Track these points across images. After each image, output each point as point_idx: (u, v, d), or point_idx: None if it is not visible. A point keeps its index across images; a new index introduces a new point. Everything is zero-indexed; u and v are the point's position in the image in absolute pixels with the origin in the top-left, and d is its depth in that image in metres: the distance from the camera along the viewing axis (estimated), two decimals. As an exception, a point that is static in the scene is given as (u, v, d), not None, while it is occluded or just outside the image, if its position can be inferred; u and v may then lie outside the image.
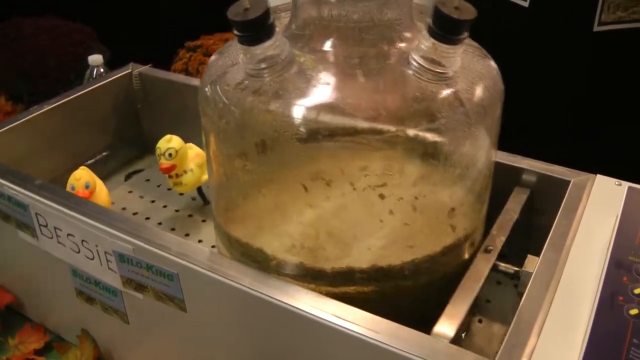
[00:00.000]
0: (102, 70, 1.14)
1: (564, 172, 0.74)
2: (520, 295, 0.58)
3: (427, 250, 0.62)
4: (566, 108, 1.45)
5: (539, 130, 1.32)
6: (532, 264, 0.62)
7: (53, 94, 0.99)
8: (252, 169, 0.62)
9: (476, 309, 0.77)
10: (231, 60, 0.63)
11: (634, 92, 1.41)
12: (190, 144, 0.93)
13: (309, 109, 0.57)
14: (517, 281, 0.67)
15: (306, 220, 0.62)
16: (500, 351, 0.51)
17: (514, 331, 0.53)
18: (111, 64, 1.17)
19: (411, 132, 0.57)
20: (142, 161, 1.11)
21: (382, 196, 0.59)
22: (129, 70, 1.06)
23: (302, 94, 0.58)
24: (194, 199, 1.00)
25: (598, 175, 0.71)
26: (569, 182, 0.71)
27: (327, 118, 0.57)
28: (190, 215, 0.98)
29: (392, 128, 0.57)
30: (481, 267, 0.64)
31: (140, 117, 1.10)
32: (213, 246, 0.78)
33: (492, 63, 0.65)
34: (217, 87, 0.62)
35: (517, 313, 0.54)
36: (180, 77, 1.07)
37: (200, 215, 0.97)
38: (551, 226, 0.64)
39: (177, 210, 0.99)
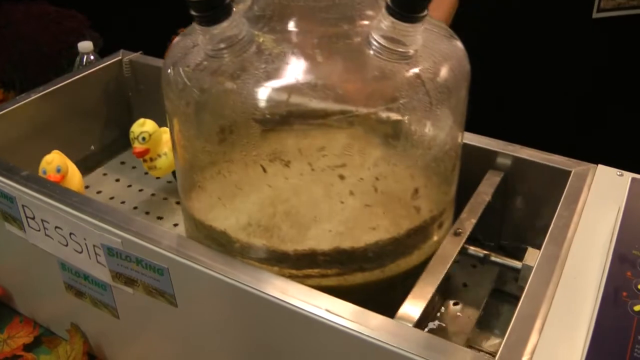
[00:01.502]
0: (92, 57, 1.12)
1: (564, 162, 0.71)
2: (521, 289, 0.56)
3: (391, 232, 0.61)
4: (568, 95, 1.44)
5: (541, 121, 1.30)
6: (533, 257, 0.60)
7: (45, 81, 0.97)
8: (212, 150, 0.62)
9: (451, 293, 0.75)
10: (193, 41, 0.62)
11: (634, 79, 1.40)
12: (165, 128, 0.91)
13: (267, 89, 0.56)
14: (491, 265, 0.67)
15: (264, 200, 0.61)
16: (501, 348, 0.49)
17: (515, 328, 0.51)
18: (104, 51, 1.15)
19: (371, 112, 0.56)
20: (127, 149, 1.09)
21: (341, 177, 0.58)
22: (119, 58, 1.04)
23: (261, 74, 0.57)
24: (170, 182, 0.99)
25: (599, 166, 0.69)
26: (570, 172, 0.69)
27: (285, 98, 0.56)
28: (165, 199, 0.97)
29: (352, 108, 0.56)
30: (449, 250, 0.63)
31: (132, 105, 1.08)
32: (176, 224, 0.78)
33: (459, 43, 0.63)
34: (179, 68, 0.61)
35: (517, 309, 0.52)
36: None
37: (176, 197, 0.96)
38: (552, 217, 0.62)
39: (153, 194, 0.98)
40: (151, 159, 0.91)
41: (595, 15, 1.37)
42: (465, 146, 0.72)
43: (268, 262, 0.62)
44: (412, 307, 0.56)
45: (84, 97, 1.00)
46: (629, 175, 0.66)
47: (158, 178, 0.98)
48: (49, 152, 0.88)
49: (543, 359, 0.47)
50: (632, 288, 0.51)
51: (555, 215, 0.62)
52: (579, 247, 0.58)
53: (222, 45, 0.57)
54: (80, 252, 0.67)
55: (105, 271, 0.66)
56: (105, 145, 1.06)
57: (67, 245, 0.68)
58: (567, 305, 0.52)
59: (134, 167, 1.04)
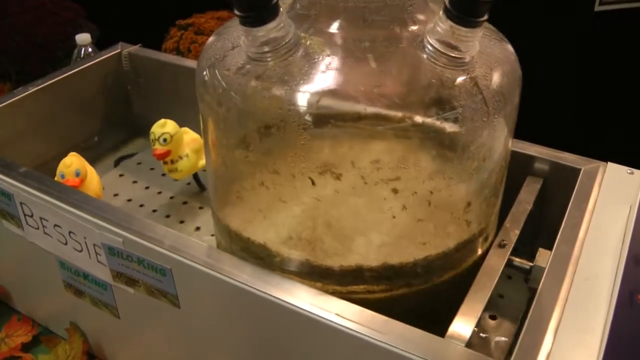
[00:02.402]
0: (90, 49, 1.10)
1: (574, 159, 0.70)
2: (533, 291, 0.55)
3: (441, 247, 0.59)
4: (569, 90, 1.42)
5: (545, 117, 1.29)
6: (544, 258, 0.58)
7: (41, 74, 0.95)
8: (253, 159, 0.58)
9: (488, 305, 0.73)
10: (231, 42, 0.59)
11: (636, 73, 1.38)
12: (186, 129, 0.88)
13: (316, 95, 0.53)
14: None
15: (309, 214, 0.58)
16: (515, 352, 0.48)
17: (529, 331, 0.50)
18: (100, 43, 1.12)
19: (426, 121, 0.53)
20: (133, 144, 1.07)
21: (395, 190, 0.55)
22: (118, 50, 1.01)
23: (309, 79, 0.53)
24: (189, 184, 0.96)
25: (609, 163, 0.68)
26: (580, 170, 0.68)
27: (335, 106, 0.53)
28: (185, 202, 0.94)
29: (405, 117, 0.53)
30: (495, 263, 0.61)
31: (131, 98, 1.05)
32: (212, 235, 0.75)
33: (510, 47, 0.61)
34: (216, 71, 0.58)
35: (530, 312, 0.51)
36: (172, 58, 1.03)
37: (197, 202, 0.93)
38: (562, 217, 0.61)
39: (171, 197, 0.95)
40: (172, 161, 0.88)
41: (597, 8, 1.36)
42: None
43: (310, 278, 0.59)
44: (463, 325, 0.53)
45: (82, 90, 0.97)
46: (639, 173, 0.65)
47: (176, 180, 0.95)
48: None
49: None
50: (647, 291, 0.50)
51: (566, 215, 0.62)
52: (591, 247, 0.57)
53: (267, 48, 0.54)
54: (80, 251, 0.66)
55: (106, 270, 0.64)
56: (105, 139, 1.03)
57: (66, 244, 0.67)
58: (580, 307, 0.51)
59: (152, 169, 1.01)
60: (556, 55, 1.36)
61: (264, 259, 0.61)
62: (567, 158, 0.71)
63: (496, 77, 0.56)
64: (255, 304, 0.54)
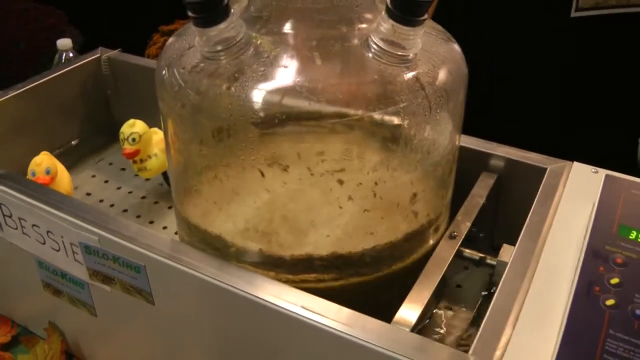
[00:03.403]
0: (71, 54, 1.12)
1: (540, 159, 0.72)
2: (495, 284, 0.57)
3: (389, 237, 0.61)
4: (546, 94, 1.45)
5: (521, 120, 1.31)
6: (508, 253, 0.61)
7: (24, 79, 0.96)
8: (208, 154, 0.61)
9: (444, 295, 0.75)
10: (188, 42, 0.62)
11: (612, 77, 1.41)
12: (155, 129, 0.91)
13: (265, 92, 0.56)
14: (485, 267, 0.67)
15: (261, 205, 0.60)
16: (474, 342, 0.49)
17: (489, 322, 0.51)
18: (84, 50, 1.13)
19: (370, 116, 0.56)
20: (113, 148, 1.08)
21: (340, 182, 0.58)
22: (98, 55, 1.03)
23: (259, 77, 0.56)
24: (161, 184, 0.98)
25: (575, 163, 0.70)
26: (546, 169, 0.70)
27: (283, 102, 0.56)
28: (156, 202, 0.96)
29: (350, 112, 0.56)
30: (445, 254, 0.63)
31: (111, 103, 1.07)
32: (176, 233, 0.77)
33: (456, 47, 0.64)
34: (174, 70, 0.60)
35: (491, 304, 0.53)
36: (150, 62, 1.04)
37: (167, 201, 0.95)
38: (527, 214, 0.63)
39: (143, 197, 0.97)
40: (141, 160, 0.90)
41: (573, 14, 1.38)
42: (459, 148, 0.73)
43: (264, 267, 0.62)
44: (409, 311, 0.56)
45: (62, 94, 0.99)
46: (603, 172, 0.67)
47: (148, 180, 0.97)
48: (26, 149, 0.88)
49: (516, 353, 0.48)
50: (604, 283, 0.52)
51: (531, 212, 0.63)
52: (554, 243, 0.59)
53: (219, 47, 0.57)
54: (58, 250, 0.67)
55: (83, 269, 0.66)
56: (84, 143, 1.05)
57: (44, 244, 0.68)
58: (541, 300, 0.53)
59: (122, 169, 1.03)
60: (531, 59, 1.38)
61: (221, 249, 0.63)
62: (534, 158, 0.73)
63: (439, 75, 0.59)
64: (225, 297, 0.56)
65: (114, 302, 0.67)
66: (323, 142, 0.59)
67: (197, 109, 0.59)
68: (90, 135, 1.06)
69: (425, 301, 0.58)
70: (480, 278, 0.76)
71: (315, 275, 0.61)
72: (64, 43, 1.11)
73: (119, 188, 0.99)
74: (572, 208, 0.63)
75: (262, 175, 0.59)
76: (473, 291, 0.76)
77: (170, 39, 0.66)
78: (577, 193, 0.65)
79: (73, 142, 1.03)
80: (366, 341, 0.50)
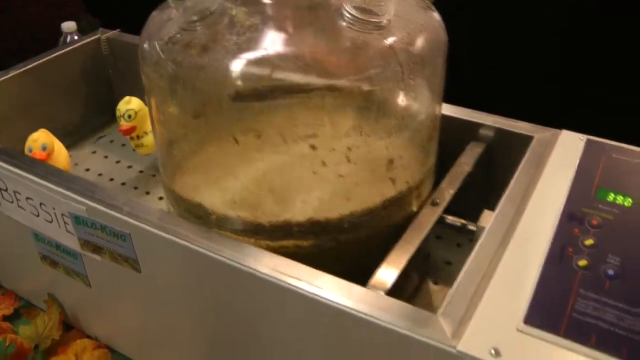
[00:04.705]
0: (76, 37, 1.13)
1: (527, 127, 0.73)
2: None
3: (367, 203, 0.62)
4: (541, 64, 1.43)
5: (519, 90, 1.30)
6: (488, 218, 0.61)
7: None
8: (187, 124, 0.63)
9: (433, 271, 0.76)
10: (168, 15, 0.64)
11: (607, 59, 1.39)
12: None
13: (238, 61, 0.57)
14: (472, 237, 0.67)
15: (238, 173, 0.62)
16: (445, 303, 0.50)
17: (461, 284, 0.52)
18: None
19: (342, 82, 0.57)
20: (114, 126, 1.10)
21: (313, 147, 0.59)
22: (98, 36, 1.06)
23: (232, 46, 0.58)
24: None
25: (563, 131, 0.70)
26: (532, 137, 0.70)
27: (256, 71, 0.57)
28: (154, 175, 0.98)
29: (323, 79, 0.57)
30: (425, 220, 0.64)
31: (112, 83, 1.10)
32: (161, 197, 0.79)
33: (435, 14, 0.65)
34: (154, 42, 0.62)
35: (465, 266, 0.54)
36: None
37: None
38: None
39: (141, 171, 0.99)
40: (138, 137, 0.93)
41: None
42: (446, 118, 0.73)
43: (244, 234, 0.63)
44: (385, 275, 0.57)
45: (63, 74, 1.02)
46: (586, 137, 0.67)
47: (146, 155, 0.99)
48: (29, 129, 0.90)
49: (485, 313, 0.49)
50: (578, 244, 0.52)
51: (513, 179, 0.64)
52: (534, 208, 0.60)
53: (195, 18, 0.59)
54: (51, 222, 0.70)
55: (74, 239, 0.68)
56: (86, 122, 1.07)
57: (38, 216, 0.70)
58: (515, 262, 0.54)
59: (123, 145, 1.05)
60: (528, 28, 1.36)
61: (203, 218, 0.65)
62: (523, 126, 0.73)
63: (415, 42, 0.60)
64: (206, 263, 0.58)
65: (104, 271, 0.69)
66: (296, 110, 0.60)
67: (175, 79, 0.61)
68: (92, 114, 1.08)
69: (402, 265, 0.58)
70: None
71: (294, 241, 0.62)
72: (69, 26, 1.13)
73: (117, 162, 1.01)
74: (555, 174, 0.64)
75: (237, 142, 0.60)
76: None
77: (153, 12, 0.68)
78: (562, 160, 0.66)
79: (74, 121, 1.06)
80: (340, 304, 0.51)
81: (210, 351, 0.67)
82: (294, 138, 0.59)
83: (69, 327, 0.81)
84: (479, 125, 0.75)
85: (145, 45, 0.63)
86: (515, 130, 0.73)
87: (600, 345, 0.45)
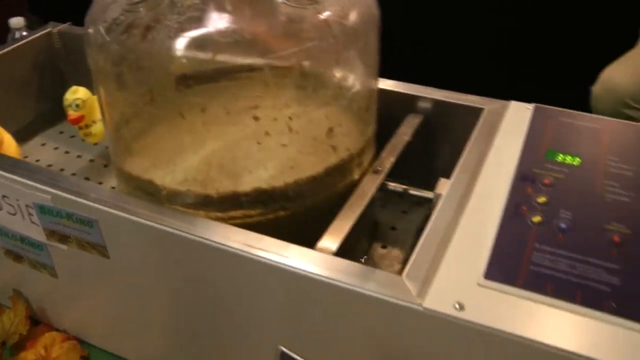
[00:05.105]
0: (24, 33, 1.12)
1: (478, 100, 0.73)
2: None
3: (310, 171, 0.62)
4: (483, 52, 1.47)
5: (462, 63, 1.33)
6: (444, 186, 0.62)
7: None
8: (133, 102, 0.62)
9: (380, 237, 0.77)
10: None
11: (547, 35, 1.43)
12: None
13: (179, 39, 0.57)
14: (422, 209, 0.68)
15: (185, 147, 0.62)
16: (408, 265, 0.51)
17: (423, 247, 0.52)
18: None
19: (279, 55, 0.57)
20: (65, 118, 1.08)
21: (256, 118, 0.59)
22: (49, 30, 1.02)
23: (173, 25, 0.57)
24: (107, 147, 0.98)
25: (512, 102, 0.71)
26: (483, 109, 0.71)
27: (197, 47, 0.57)
28: (105, 165, 0.95)
29: (264, 56, 0.57)
30: (368, 186, 0.64)
31: (64, 75, 1.06)
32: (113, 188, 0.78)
33: None
34: (98, 25, 0.61)
35: (426, 230, 0.54)
36: None
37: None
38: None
39: (91, 160, 0.97)
40: (86, 126, 0.90)
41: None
42: (386, 92, 0.73)
43: (194, 207, 0.62)
44: (331, 238, 0.57)
45: (16, 69, 0.98)
46: (533, 105, 0.69)
47: (96, 144, 0.97)
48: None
49: (448, 272, 0.50)
50: (531, 202, 0.54)
51: (467, 148, 0.64)
52: (488, 173, 0.60)
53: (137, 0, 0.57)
54: (15, 214, 0.67)
55: (39, 230, 0.65)
56: (40, 116, 1.04)
57: (1, 209, 0.69)
58: (473, 224, 0.54)
59: (72, 136, 1.02)
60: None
61: (153, 194, 0.63)
62: (473, 99, 0.74)
63: (349, 16, 0.60)
64: (173, 243, 0.57)
65: (72, 260, 0.66)
66: (237, 83, 0.59)
67: (120, 60, 0.60)
68: (43, 107, 1.05)
69: (348, 229, 0.58)
70: (417, 221, 0.79)
71: (243, 211, 0.61)
72: (17, 22, 1.09)
73: (67, 152, 0.99)
74: (506, 141, 0.64)
75: (183, 117, 0.59)
76: (409, 233, 0.78)
77: None
78: (512, 128, 0.66)
79: (26, 114, 1.03)
80: (290, 266, 0.51)
81: (180, 331, 0.65)
82: (237, 110, 0.59)
83: (37, 322, 0.77)
84: (418, 98, 0.76)
85: (90, 30, 0.61)
86: (466, 103, 0.73)
87: (556, 292, 0.46)
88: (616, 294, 0.46)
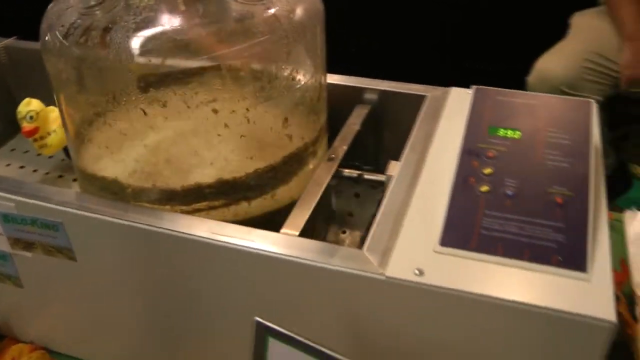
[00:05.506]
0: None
1: (421, 88, 0.77)
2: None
3: (269, 160, 0.65)
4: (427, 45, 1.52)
5: (407, 54, 1.38)
6: (395, 167, 0.64)
7: None
8: (95, 102, 0.65)
9: (338, 223, 0.81)
10: (66, 4, 0.64)
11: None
12: (52, 107, 0.91)
13: (136, 38, 0.59)
14: (376, 193, 0.72)
15: (148, 143, 0.64)
16: (368, 240, 0.54)
17: (380, 223, 0.56)
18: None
19: (235, 50, 0.60)
20: (16, 134, 1.07)
21: (215, 111, 0.62)
22: (-6, 45, 1.02)
23: (130, 25, 0.60)
24: (63, 160, 0.98)
25: (453, 88, 0.75)
26: (426, 96, 0.75)
27: (154, 45, 0.59)
28: (60, 176, 0.96)
29: (217, 49, 0.60)
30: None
31: (12, 90, 1.06)
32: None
33: None
34: (55, 30, 0.62)
35: (381, 208, 0.57)
36: None
37: (71, 174, 0.95)
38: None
39: (47, 173, 0.97)
40: (41, 137, 0.90)
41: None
42: (334, 86, 0.77)
43: (160, 202, 0.64)
44: (294, 223, 0.60)
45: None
46: (474, 87, 0.73)
47: (50, 157, 0.97)
48: None
49: (406, 244, 0.53)
50: (478, 174, 0.58)
51: (413, 132, 0.68)
52: (436, 152, 0.64)
53: (93, 3, 0.60)
54: None
55: (3, 239, 0.66)
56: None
57: (-38, 222, 0.70)
58: (426, 197, 0.58)
59: (25, 152, 1.02)
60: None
61: (118, 193, 0.65)
62: (416, 88, 0.78)
63: (296, 11, 0.64)
64: (139, 237, 0.59)
65: (37, 268, 0.67)
66: (195, 79, 0.62)
67: (79, 61, 0.62)
68: None
69: (308, 214, 0.61)
70: (370, 203, 0.82)
71: (207, 203, 0.64)
72: None
73: (22, 167, 0.98)
74: (450, 123, 0.68)
75: (145, 113, 0.61)
76: (365, 216, 0.81)
77: (49, 6, 0.67)
78: (455, 110, 0.70)
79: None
80: (259, 249, 0.53)
81: (152, 328, 0.67)
82: (196, 104, 0.61)
83: (1, 337, 0.77)
84: (365, 90, 0.80)
85: (47, 37, 0.63)
86: (410, 92, 0.77)
87: (506, 252, 0.50)
88: (562, 249, 0.50)
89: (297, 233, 0.58)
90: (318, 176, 0.67)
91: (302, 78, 0.66)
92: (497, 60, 1.60)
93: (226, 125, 0.62)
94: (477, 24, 1.61)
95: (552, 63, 1.55)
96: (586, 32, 1.63)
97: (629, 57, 1.52)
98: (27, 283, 0.70)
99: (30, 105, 0.87)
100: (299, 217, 0.60)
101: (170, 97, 0.61)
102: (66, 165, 0.98)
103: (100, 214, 0.59)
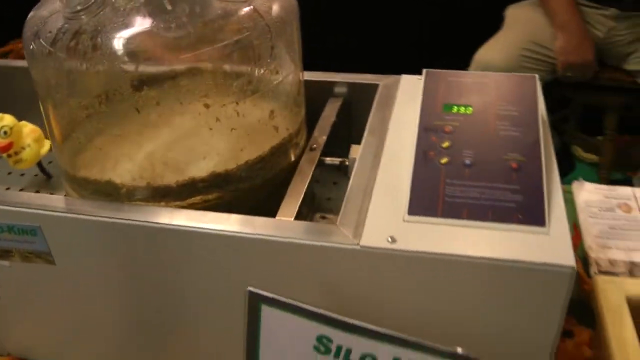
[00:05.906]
0: None
1: (373, 78, 0.81)
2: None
3: (258, 152, 0.69)
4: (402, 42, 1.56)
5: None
6: (356, 150, 0.68)
7: None
8: (87, 104, 0.66)
9: (318, 209, 0.83)
10: (48, 11, 0.66)
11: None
12: (24, 122, 0.91)
13: (125, 39, 0.62)
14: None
15: (142, 141, 0.66)
16: (340, 216, 0.58)
17: (349, 199, 0.60)
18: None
19: (221, 46, 0.63)
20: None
21: (207, 105, 0.65)
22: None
23: (118, 27, 0.62)
24: (36, 175, 0.97)
25: (403, 75, 0.80)
26: (378, 85, 0.79)
27: (143, 45, 0.62)
28: (37, 191, 0.94)
29: (204, 46, 0.63)
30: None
31: None
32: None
33: None
34: (40, 37, 0.64)
35: (349, 186, 0.61)
36: (5, 62, 1.04)
37: (46, 189, 0.94)
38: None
39: (21, 189, 0.94)
40: (16, 153, 0.89)
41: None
42: (308, 82, 0.80)
43: (154, 199, 0.66)
44: (288, 208, 0.64)
45: None
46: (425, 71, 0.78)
47: (22, 175, 0.96)
48: None
49: (375, 216, 0.57)
50: (437, 148, 0.62)
51: (370, 116, 0.72)
52: (395, 132, 0.68)
53: (79, 7, 0.62)
54: None
55: None
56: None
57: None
58: (390, 173, 0.62)
59: None
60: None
61: (112, 194, 0.67)
62: (369, 77, 0.82)
63: (274, 7, 0.68)
64: (121, 234, 0.60)
65: (16, 276, 0.67)
66: (185, 76, 0.65)
67: (69, 66, 0.63)
68: None
69: (300, 199, 0.65)
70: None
71: (201, 196, 0.66)
72: None
73: None
74: (405, 106, 0.72)
75: (138, 112, 0.64)
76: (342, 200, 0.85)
77: (30, 14, 0.69)
78: (408, 95, 0.74)
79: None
80: (260, 234, 0.57)
81: (135, 328, 0.68)
82: (188, 100, 0.64)
83: None
84: (333, 83, 0.84)
85: (32, 46, 0.65)
86: (365, 81, 0.81)
87: (471, 215, 0.55)
88: (521, 208, 0.54)
89: (292, 218, 0.62)
90: (304, 164, 0.72)
91: (284, 71, 0.70)
92: (439, 54, 1.65)
93: (218, 120, 0.66)
94: (455, 21, 1.67)
95: (490, 53, 1.62)
96: (521, 23, 1.71)
97: (562, 44, 1.60)
98: (5, 293, 0.71)
99: (3, 121, 0.88)
100: (292, 204, 0.64)
101: (162, 95, 0.65)
102: (41, 181, 0.97)
103: (78, 213, 0.61)
